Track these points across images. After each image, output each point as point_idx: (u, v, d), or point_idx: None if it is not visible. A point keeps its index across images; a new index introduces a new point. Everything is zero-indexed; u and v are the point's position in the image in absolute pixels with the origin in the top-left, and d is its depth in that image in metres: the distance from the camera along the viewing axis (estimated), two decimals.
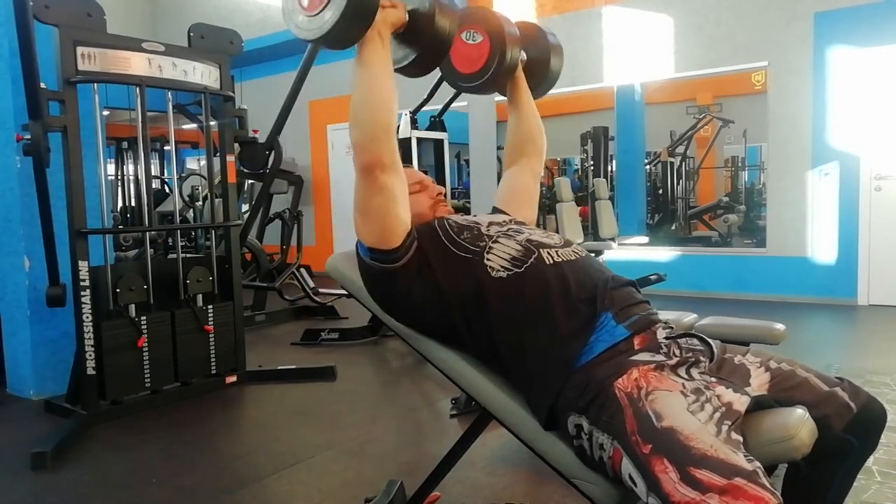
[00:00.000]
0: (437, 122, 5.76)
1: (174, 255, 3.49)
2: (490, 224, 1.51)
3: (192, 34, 3.44)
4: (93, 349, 2.99)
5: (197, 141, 10.28)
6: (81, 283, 2.95)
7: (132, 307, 3.13)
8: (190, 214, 7.01)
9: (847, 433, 1.25)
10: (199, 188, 7.03)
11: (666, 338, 1.29)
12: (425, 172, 1.89)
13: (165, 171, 10.76)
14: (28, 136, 2.77)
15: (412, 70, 1.57)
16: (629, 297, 1.35)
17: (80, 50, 2.92)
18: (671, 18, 6.18)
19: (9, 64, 3.25)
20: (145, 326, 3.14)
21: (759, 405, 1.21)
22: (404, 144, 5.20)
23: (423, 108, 5.42)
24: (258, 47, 7.84)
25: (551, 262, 1.37)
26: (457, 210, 1.73)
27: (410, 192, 1.59)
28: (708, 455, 1.03)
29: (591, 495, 1.27)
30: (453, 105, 5.73)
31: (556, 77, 1.98)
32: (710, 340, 1.33)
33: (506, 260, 1.38)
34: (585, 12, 6.64)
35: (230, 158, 3.66)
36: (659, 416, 1.11)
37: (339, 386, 3.60)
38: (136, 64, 3.12)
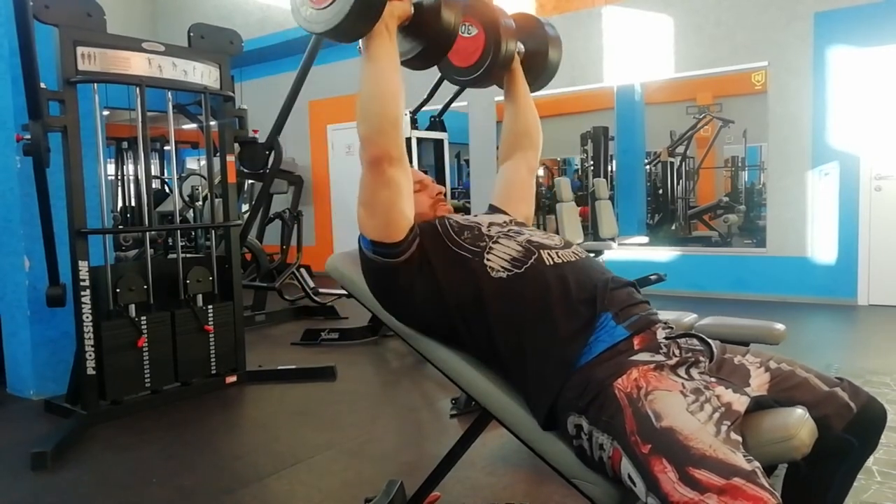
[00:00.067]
0: (437, 122, 5.77)
1: (174, 255, 3.49)
2: (490, 224, 1.51)
3: (192, 34, 3.44)
4: (93, 349, 2.99)
5: (197, 141, 10.28)
6: (81, 283, 2.95)
7: (132, 307, 3.13)
8: (190, 214, 7.01)
9: (847, 433, 1.25)
10: (199, 188, 7.03)
11: (666, 338, 1.29)
12: (425, 172, 1.89)
13: (165, 171, 10.76)
14: (28, 136, 2.78)
15: (416, 63, 1.58)
16: (629, 298, 1.35)
17: (80, 50, 2.92)
18: (671, 18, 6.18)
19: (9, 64, 3.25)
20: (145, 326, 3.14)
21: (758, 405, 1.21)
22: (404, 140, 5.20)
23: (423, 108, 5.43)
24: (258, 47, 7.83)
25: (551, 263, 1.37)
26: (457, 210, 1.73)
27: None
28: (707, 455, 1.03)
29: (591, 495, 1.27)
30: (453, 105, 5.73)
31: (555, 69, 1.96)
32: (709, 340, 1.33)
33: (506, 260, 1.38)
34: (585, 12, 6.64)
35: (230, 158, 3.66)
36: (658, 416, 1.11)
37: (339, 386, 3.60)
38: (136, 64, 3.12)
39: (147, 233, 3.43)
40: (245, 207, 6.89)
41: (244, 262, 5.54)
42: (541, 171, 9.81)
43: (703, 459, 1.03)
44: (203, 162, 6.32)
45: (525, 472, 2.35)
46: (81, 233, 2.96)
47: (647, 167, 8.65)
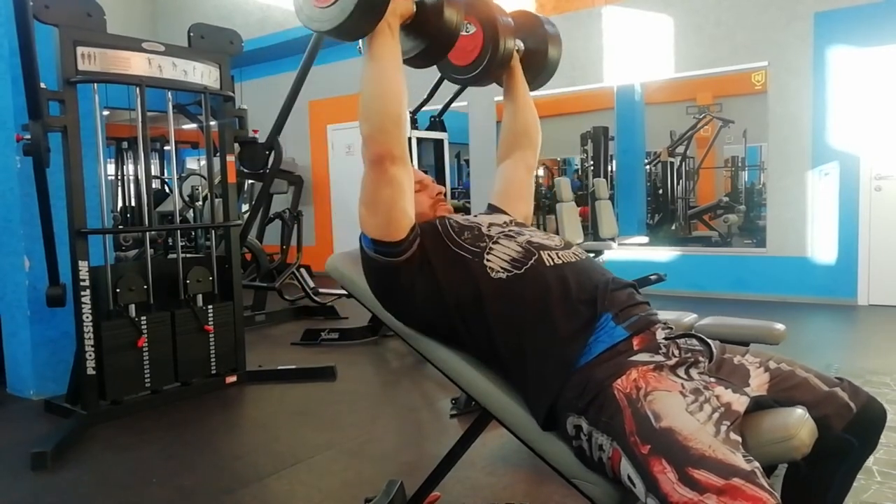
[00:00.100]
0: (437, 122, 5.77)
1: (174, 255, 3.49)
2: (491, 225, 1.51)
3: (192, 34, 3.44)
4: (93, 349, 2.99)
5: (197, 141, 10.28)
6: (81, 283, 2.95)
7: (132, 307, 3.13)
8: (190, 214, 7.01)
9: (847, 433, 1.25)
10: (199, 188, 7.03)
11: (665, 338, 1.29)
12: (425, 172, 1.89)
13: (165, 171, 10.77)
14: (28, 136, 2.78)
15: (418, 61, 1.58)
16: (629, 299, 1.35)
17: (80, 50, 2.92)
18: (671, 18, 6.18)
19: (9, 64, 3.25)
20: (145, 326, 3.14)
21: (758, 405, 1.21)
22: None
23: (423, 108, 5.43)
24: (258, 47, 7.84)
25: (551, 263, 1.37)
26: (457, 210, 1.72)
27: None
28: (706, 455, 1.03)
29: (591, 495, 1.27)
30: (453, 105, 5.74)
31: (555, 67, 1.95)
32: (709, 341, 1.33)
33: (506, 261, 1.38)
34: (585, 12, 6.63)
35: (230, 158, 3.66)
36: (658, 416, 1.11)
37: (339, 386, 3.60)
38: (136, 64, 3.12)
39: (147, 233, 3.43)
40: (245, 207, 6.89)
41: (244, 262, 5.54)
42: (541, 171, 9.82)
43: (702, 460, 1.03)
44: (203, 162, 6.32)
45: (525, 472, 2.35)
46: (81, 233, 2.96)
47: (647, 167, 8.65)
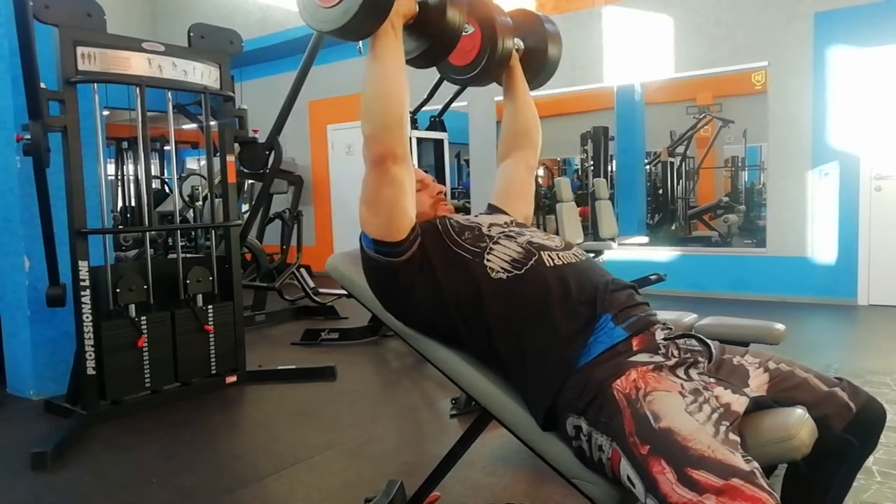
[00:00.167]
0: (437, 122, 5.78)
1: (174, 255, 3.49)
2: (491, 225, 1.51)
3: (192, 34, 3.44)
4: (93, 349, 2.99)
5: (197, 141, 10.28)
6: (81, 283, 2.95)
7: (132, 307, 3.13)
8: (190, 214, 7.01)
9: (847, 433, 1.25)
10: (199, 188, 7.03)
11: (664, 339, 1.29)
12: (425, 172, 1.89)
13: (165, 171, 10.77)
14: (28, 136, 2.78)
15: (420, 62, 1.58)
16: (629, 300, 1.35)
17: (80, 50, 2.92)
18: (671, 18, 6.18)
19: (9, 64, 3.25)
20: (145, 326, 3.14)
21: (758, 405, 1.21)
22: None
23: (423, 108, 5.43)
24: (258, 47, 7.84)
25: (552, 264, 1.37)
26: (457, 210, 1.72)
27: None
28: (705, 456, 1.03)
29: (591, 495, 1.27)
30: (453, 105, 5.74)
31: (555, 66, 1.94)
32: (708, 341, 1.33)
33: (506, 261, 1.38)
34: (585, 12, 6.63)
35: (230, 158, 3.66)
36: (657, 416, 1.11)
37: (339, 386, 3.60)
38: (136, 64, 3.12)
39: (147, 233, 3.43)
40: (245, 207, 6.89)
41: (244, 262, 5.54)
42: (541, 171, 9.82)
43: (701, 460, 1.03)
44: (203, 162, 6.32)
45: (525, 472, 2.35)
46: (81, 233, 2.96)
47: (647, 167, 8.65)
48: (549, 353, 1.29)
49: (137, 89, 3.13)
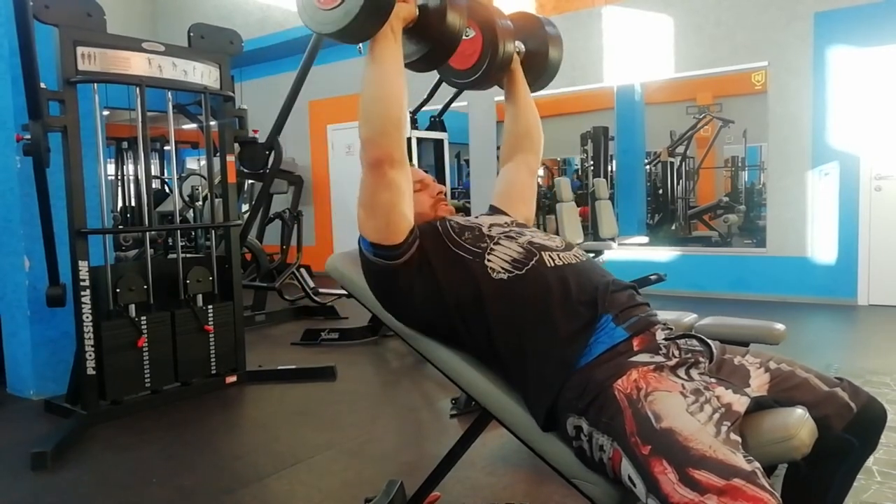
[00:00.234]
0: (437, 122, 5.78)
1: (174, 255, 3.49)
2: (492, 225, 1.51)
3: (191, 34, 3.44)
4: (93, 349, 2.99)
5: (197, 141, 10.28)
6: (81, 283, 2.95)
7: (132, 307, 3.13)
8: (190, 214, 7.01)
9: (847, 433, 1.25)
10: (199, 188, 7.03)
11: (665, 339, 1.29)
12: (425, 172, 1.89)
13: (165, 171, 10.76)
14: (28, 136, 2.78)
15: (420, 65, 1.57)
16: (629, 300, 1.35)
17: (80, 50, 2.92)
18: (671, 18, 6.18)
19: (9, 64, 3.25)
20: (145, 326, 3.14)
21: (758, 405, 1.21)
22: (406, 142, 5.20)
23: (423, 108, 5.43)
24: (258, 47, 7.84)
25: (552, 264, 1.37)
26: (457, 210, 1.72)
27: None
28: (707, 456, 1.03)
29: (591, 495, 1.27)
30: (453, 105, 5.74)
31: (556, 69, 1.94)
32: (709, 341, 1.33)
33: (507, 262, 1.38)
34: (585, 12, 6.64)
35: (230, 158, 3.66)
36: (658, 416, 1.11)
37: (339, 386, 3.60)
38: (136, 64, 3.12)
39: (147, 233, 3.43)
40: (245, 207, 6.89)
41: (244, 262, 5.54)
42: (541, 171, 9.81)
43: (702, 460, 1.03)
44: (203, 162, 6.32)
45: (525, 472, 2.35)
46: (81, 233, 2.96)
47: (647, 167, 8.65)
48: (549, 353, 1.29)
49: (137, 89, 3.13)
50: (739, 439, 1.09)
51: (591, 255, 4.34)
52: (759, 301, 5.72)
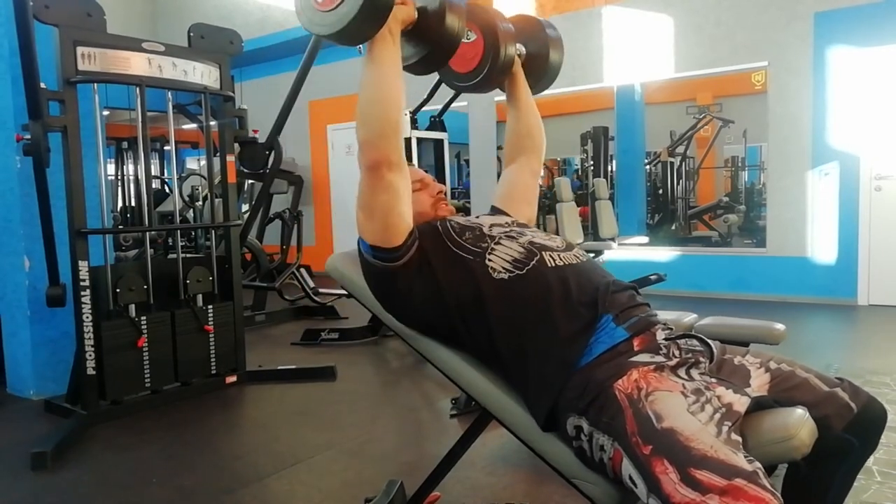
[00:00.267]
0: (437, 122, 5.78)
1: (174, 255, 3.49)
2: (492, 225, 1.51)
3: (191, 34, 3.44)
4: (93, 349, 2.99)
5: (197, 141, 10.28)
6: (81, 283, 2.95)
7: (132, 307, 3.13)
8: (190, 214, 7.01)
9: (847, 433, 1.25)
10: (199, 188, 7.03)
11: (665, 339, 1.29)
12: (425, 172, 1.88)
13: (165, 171, 10.76)
14: (28, 136, 2.77)
15: (419, 68, 1.57)
16: (630, 301, 1.35)
17: (80, 50, 2.92)
18: (671, 18, 6.18)
19: (9, 64, 3.25)
20: (145, 326, 3.14)
21: (759, 405, 1.21)
22: (404, 144, 5.20)
23: (423, 108, 5.43)
24: (258, 47, 7.84)
25: (553, 265, 1.37)
26: (457, 210, 1.72)
27: (412, 191, 1.59)
28: (708, 456, 1.03)
29: (591, 495, 1.27)
30: (453, 105, 5.74)
31: (557, 71, 1.95)
32: (709, 341, 1.33)
33: (507, 262, 1.38)
34: (585, 12, 6.64)
35: (230, 158, 3.66)
36: (659, 416, 1.11)
37: (339, 386, 3.60)
38: (136, 64, 3.12)
39: (147, 233, 3.43)
40: (245, 207, 6.89)
41: (244, 262, 5.54)
42: (541, 172, 9.80)
43: (704, 460, 1.03)
44: (203, 162, 6.32)
45: (525, 472, 2.35)
46: (81, 233, 2.96)
47: (647, 167, 8.65)
48: (550, 353, 1.29)
49: (137, 89, 3.13)
50: (740, 439, 1.09)
51: (592, 255, 4.34)
52: (759, 301, 5.72)
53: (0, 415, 3.25)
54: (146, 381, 3.17)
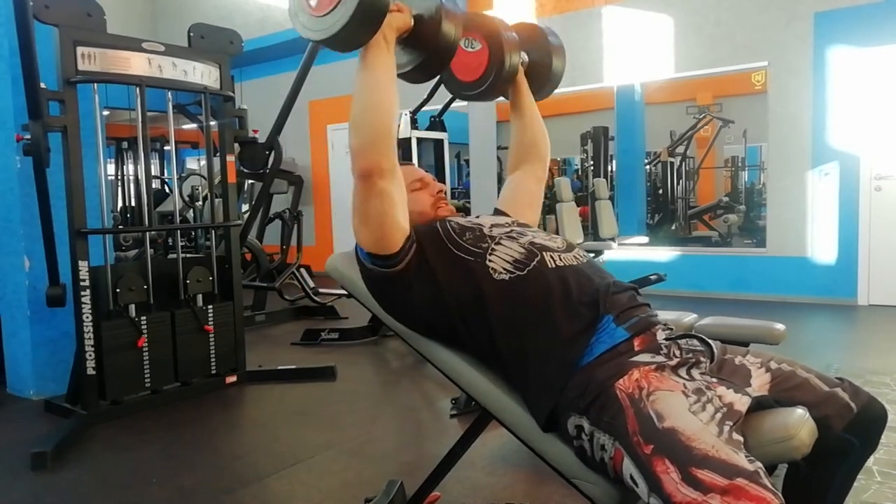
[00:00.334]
0: (437, 122, 5.77)
1: (174, 255, 3.49)
2: (493, 226, 1.51)
3: (192, 34, 3.44)
4: (93, 349, 2.98)
5: (197, 141, 10.28)
6: (81, 283, 2.95)
7: (132, 307, 3.13)
8: (190, 214, 7.01)
9: (847, 433, 1.25)
10: (199, 188, 7.03)
11: (666, 339, 1.29)
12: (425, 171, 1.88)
13: (165, 171, 10.77)
14: (28, 136, 2.77)
15: (415, 76, 1.56)
16: (630, 301, 1.35)
17: (80, 50, 2.92)
18: (671, 18, 6.18)
19: (9, 64, 3.25)
20: (145, 326, 3.14)
21: (759, 405, 1.21)
22: (404, 144, 5.20)
23: (423, 108, 5.42)
24: (258, 47, 7.84)
25: (553, 265, 1.37)
26: (457, 210, 1.72)
27: (411, 190, 1.59)
28: (709, 455, 1.03)
29: (592, 495, 1.27)
30: (453, 105, 5.73)
31: (559, 79, 1.95)
32: (710, 341, 1.33)
33: (508, 262, 1.38)
34: (585, 12, 6.64)
35: (230, 158, 3.66)
36: (660, 416, 1.11)
37: (339, 386, 3.60)
38: (136, 64, 3.12)
39: (147, 233, 3.43)
40: (245, 207, 6.89)
41: (244, 262, 5.54)
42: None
43: (705, 460, 1.03)
44: (203, 162, 6.32)
45: (525, 472, 2.35)
46: (81, 233, 2.96)
47: (647, 167, 8.65)
48: (550, 353, 1.29)
49: (137, 89, 3.13)
50: (742, 439, 1.09)
51: (592, 255, 4.34)
52: (759, 301, 5.72)
53: (0, 415, 3.25)
54: (146, 381, 3.17)
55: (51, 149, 2.83)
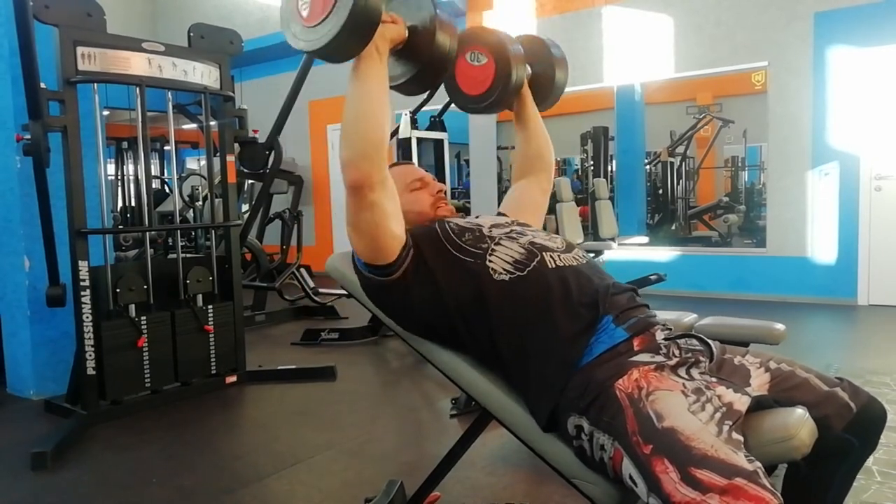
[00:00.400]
0: (437, 122, 5.77)
1: (174, 255, 3.49)
2: (492, 226, 1.50)
3: (191, 34, 3.44)
4: (93, 349, 2.99)
5: (197, 141, 10.28)
6: (81, 283, 2.95)
7: (132, 307, 3.13)
8: (190, 214, 7.00)
9: (847, 433, 1.25)
10: (199, 188, 7.03)
11: (665, 339, 1.29)
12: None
13: (165, 171, 10.76)
14: (28, 136, 2.77)
15: (410, 87, 1.55)
16: (629, 302, 1.35)
17: (80, 50, 2.92)
18: (671, 18, 6.18)
19: (9, 64, 3.25)
20: (145, 326, 3.14)
21: (759, 405, 1.21)
22: (404, 144, 5.21)
23: (423, 108, 5.42)
24: (258, 47, 7.83)
25: (553, 265, 1.37)
26: (457, 210, 1.72)
27: (410, 190, 1.60)
28: (709, 455, 1.03)
29: (591, 495, 1.27)
30: (453, 105, 5.73)
31: (562, 90, 1.96)
32: (709, 341, 1.33)
33: (508, 263, 1.38)
34: (585, 12, 6.64)
35: (230, 158, 3.66)
36: (660, 416, 1.11)
37: (339, 386, 3.60)
38: (136, 64, 3.12)
39: (147, 233, 3.43)
40: (245, 207, 6.89)
41: (244, 262, 5.54)
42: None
43: (704, 460, 1.03)
44: (203, 162, 6.32)
45: (525, 472, 2.35)
46: (81, 233, 2.96)
47: (647, 167, 8.65)
48: (550, 353, 1.29)
49: (137, 89, 3.13)
50: (741, 438, 1.09)
51: (591, 255, 4.34)
52: (759, 301, 5.72)
53: (0, 415, 3.25)
54: (146, 381, 3.17)
55: (51, 149, 2.83)
